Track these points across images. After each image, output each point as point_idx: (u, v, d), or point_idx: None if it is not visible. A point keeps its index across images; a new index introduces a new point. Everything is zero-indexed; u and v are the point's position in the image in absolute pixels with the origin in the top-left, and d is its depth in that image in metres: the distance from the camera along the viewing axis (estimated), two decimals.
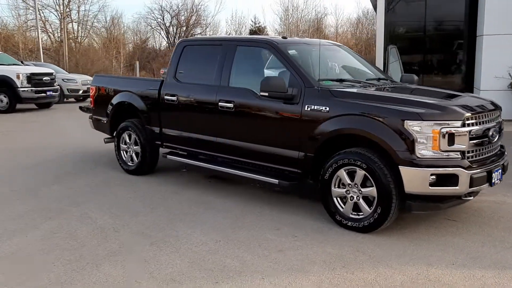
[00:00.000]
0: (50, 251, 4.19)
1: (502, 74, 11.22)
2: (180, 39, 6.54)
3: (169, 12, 45.94)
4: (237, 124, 5.45)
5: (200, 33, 49.18)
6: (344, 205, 4.64)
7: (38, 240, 4.45)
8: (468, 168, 4.22)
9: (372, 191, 4.41)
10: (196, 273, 3.72)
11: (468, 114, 4.30)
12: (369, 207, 4.46)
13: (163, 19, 46.31)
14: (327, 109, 4.65)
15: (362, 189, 4.48)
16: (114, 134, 7.13)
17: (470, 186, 4.25)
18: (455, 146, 4.20)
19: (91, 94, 7.47)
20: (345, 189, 4.61)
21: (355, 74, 5.72)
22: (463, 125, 4.24)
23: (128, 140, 6.84)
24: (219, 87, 5.60)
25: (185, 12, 47.63)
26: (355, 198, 4.55)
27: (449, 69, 13.82)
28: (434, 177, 4.17)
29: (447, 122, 4.20)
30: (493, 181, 4.47)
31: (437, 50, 13.81)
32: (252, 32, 54.54)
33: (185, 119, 6.03)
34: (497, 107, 4.83)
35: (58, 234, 4.60)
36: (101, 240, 4.42)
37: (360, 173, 4.46)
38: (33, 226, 4.83)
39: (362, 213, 4.52)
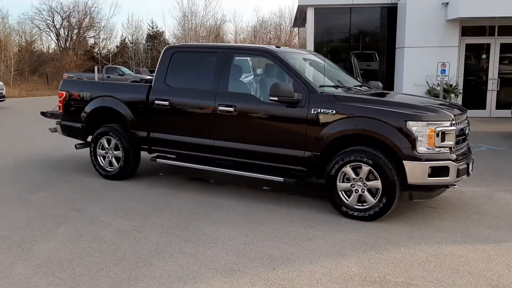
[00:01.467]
0: (89, 253, 4.23)
1: (420, 82, 12.65)
2: (167, 46, 6.68)
3: (59, 14, 43.69)
4: (238, 127, 5.78)
5: (94, 36, 47.62)
6: (349, 197, 5.20)
7: (67, 244, 4.44)
8: (455, 161, 5.00)
9: (377, 183, 5.01)
10: (248, 263, 4.03)
11: (453, 116, 5.09)
12: (373, 198, 5.06)
13: (53, 20, 43.94)
14: (334, 112, 5.19)
15: (367, 183, 5.07)
16: (89, 140, 7.04)
17: (457, 176, 5.03)
18: (446, 143, 4.96)
19: (59, 99, 7.28)
20: (350, 183, 5.17)
21: (341, 81, 6.31)
22: (451, 125, 5.01)
23: (106, 145, 6.82)
24: (217, 92, 5.88)
25: (77, 14, 45.64)
26: (359, 191, 5.12)
27: (371, 77, 15.15)
28: (430, 169, 4.88)
29: (439, 122, 4.95)
30: (469, 172, 5.32)
31: (360, 59, 15.07)
32: (150, 36, 53.84)
33: (179, 123, 6.22)
34: (465, 110, 5.71)
35: (83, 238, 4.62)
36: (133, 241, 4.53)
37: (366, 169, 5.05)
38: (49, 232, 4.78)
39: (366, 204, 5.11)
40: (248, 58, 6.22)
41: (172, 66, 6.34)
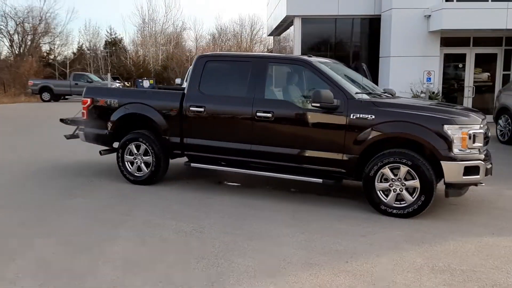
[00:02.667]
0: (164, 253, 4.42)
1: (405, 89, 13.33)
2: (200, 55, 6.89)
3: (13, 19, 42.43)
4: (276, 132, 6.08)
5: (50, 42, 46.45)
6: (387, 197, 5.60)
7: (137, 246, 4.60)
8: (483, 160, 5.50)
9: (415, 183, 5.43)
10: (321, 257, 4.33)
11: (481, 120, 5.60)
12: (411, 196, 5.48)
13: (7, 25, 42.63)
14: (373, 117, 5.59)
15: (406, 182, 5.49)
16: (117, 146, 7.15)
17: (485, 175, 5.53)
18: (476, 144, 5.44)
19: (84, 106, 7.36)
20: (388, 183, 5.57)
21: (367, 87, 6.71)
22: (480, 128, 5.51)
23: (135, 151, 6.96)
24: (254, 99, 6.17)
25: (32, 20, 44.45)
26: (398, 190, 5.53)
27: None
28: (465, 169, 5.35)
29: (471, 125, 5.43)
30: (492, 171, 5.83)
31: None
32: (108, 43, 53.21)
33: (215, 129, 6.45)
34: (484, 115, 6.24)
35: (148, 239, 4.79)
36: (199, 241, 4.74)
37: (404, 169, 5.46)
38: (111, 234, 4.91)
39: (404, 202, 5.52)
40: (283, 66, 6.50)
41: (205, 74, 6.57)
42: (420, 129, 5.41)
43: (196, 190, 6.76)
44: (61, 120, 8.14)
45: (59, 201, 6.19)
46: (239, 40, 68.16)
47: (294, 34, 14.87)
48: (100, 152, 7.47)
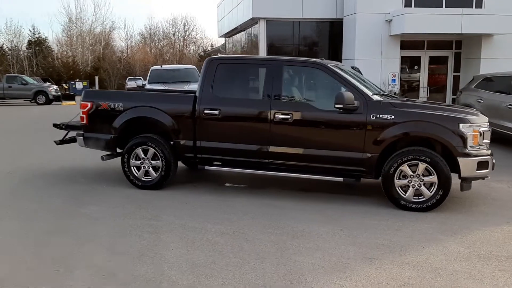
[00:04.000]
0: (223, 256, 4.45)
1: None
2: (211, 58, 6.86)
3: None
4: (295, 133, 6.24)
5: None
6: (405, 192, 5.92)
7: (190, 250, 4.59)
8: (490, 156, 5.97)
9: (433, 178, 5.80)
10: (373, 252, 4.55)
11: (488, 118, 6.08)
12: (429, 191, 5.84)
13: None
14: (392, 117, 5.89)
15: (424, 178, 5.84)
16: (122, 151, 7.00)
17: (492, 169, 6.01)
18: (485, 141, 5.91)
19: (84, 110, 7.11)
20: (407, 180, 5.90)
21: (375, 89, 7.00)
22: (487, 126, 5.98)
23: (142, 155, 6.84)
24: (271, 101, 6.29)
25: None
26: (416, 185, 5.88)
27: None
28: (477, 164, 5.79)
29: (480, 124, 5.88)
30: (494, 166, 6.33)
31: None
32: (32, 42, 50.82)
33: (231, 131, 6.49)
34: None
35: (197, 243, 4.78)
36: (249, 242, 4.80)
37: (422, 166, 5.81)
38: (155, 241, 4.85)
39: (422, 197, 5.87)
40: (298, 69, 6.66)
41: (218, 77, 6.60)
42: (439, 128, 5.78)
43: (208, 193, 6.76)
44: (55, 125, 7.81)
45: (73, 209, 5.97)
46: (172, 40, 67.51)
47: (259, 35, 15.07)
48: (102, 157, 7.25)
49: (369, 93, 6.14)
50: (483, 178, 6.07)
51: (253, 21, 15.67)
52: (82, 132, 7.26)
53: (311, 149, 6.21)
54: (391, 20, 13.76)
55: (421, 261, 4.32)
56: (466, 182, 5.93)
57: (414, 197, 5.90)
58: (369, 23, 13.82)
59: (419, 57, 15.25)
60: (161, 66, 16.95)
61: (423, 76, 15.39)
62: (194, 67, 18.39)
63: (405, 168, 5.87)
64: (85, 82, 44.58)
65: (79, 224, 5.39)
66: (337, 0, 14.82)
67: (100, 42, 61.36)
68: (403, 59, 14.73)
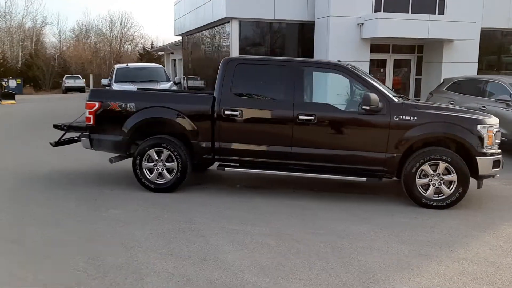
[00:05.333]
0: (285, 258, 4.44)
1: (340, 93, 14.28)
2: (228, 58, 6.76)
3: None
4: (319, 134, 6.30)
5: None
6: (426, 191, 6.16)
7: (247, 252, 4.54)
8: (501, 155, 6.35)
9: (452, 177, 6.07)
10: (426, 249, 4.71)
11: (498, 120, 6.45)
12: (449, 189, 6.11)
13: None
14: (415, 118, 6.11)
15: (444, 177, 6.10)
16: (133, 153, 6.76)
17: (502, 167, 6.39)
18: (497, 141, 6.27)
19: (90, 110, 6.81)
20: (427, 179, 6.14)
21: (390, 91, 7.18)
22: (499, 127, 6.35)
23: (156, 157, 6.65)
24: (294, 102, 6.32)
25: None
26: (436, 184, 6.13)
27: None
28: (493, 162, 6.13)
29: (493, 124, 6.24)
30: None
31: None
32: None
33: (252, 132, 6.45)
34: None
35: (249, 245, 4.73)
36: (301, 243, 4.81)
37: (443, 165, 6.07)
38: (204, 244, 4.76)
39: (442, 195, 6.13)
40: (320, 71, 6.73)
41: (237, 78, 6.54)
42: (459, 129, 6.07)
43: (225, 194, 6.69)
44: (55, 126, 7.40)
45: (92, 213, 5.73)
46: (109, 37, 65.54)
47: (231, 35, 15.02)
48: (110, 159, 6.96)
49: (389, 95, 6.32)
50: (493, 176, 6.43)
51: (224, 21, 15.59)
52: (88, 133, 6.93)
53: (334, 150, 6.30)
54: (362, 24, 14.18)
55: (473, 256, 4.53)
56: (482, 180, 6.25)
57: (434, 195, 6.14)
58: (342, 26, 14.16)
59: (385, 60, 15.82)
60: (127, 65, 16.48)
61: (388, 78, 15.97)
62: (161, 66, 18.02)
63: (426, 167, 6.10)
64: (19, 80, 42.35)
65: (110, 229, 5.17)
66: (307, 3, 15.05)
67: (31, 38, 58.54)
68: (371, 62, 15.20)
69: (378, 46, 15.28)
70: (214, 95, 6.58)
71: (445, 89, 12.26)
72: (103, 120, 6.81)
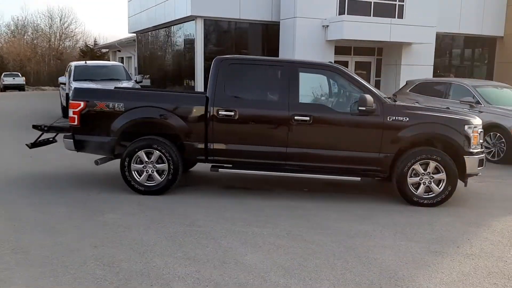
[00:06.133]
0: (299, 258, 4.44)
1: (306, 93, 14.47)
2: (220, 57, 6.64)
3: None
4: (314, 135, 6.35)
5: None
6: (417, 190, 6.36)
7: (261, 253, 4.51)
8: (484, 154, 6.66)
9: (441, 176, 6.29)
10: (433, 246, 4.86)
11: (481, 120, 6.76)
12: (438, 187, 6.33)
13: None
14: (407, 119, 6.29)
15: (434, 176, 6.32)
16: (121, 154, 6.53)
17: (484, 166, 6.70)
18: (481, 141, 6.57)
19: (75, 110, 6.51)
20: (418, 178, 6.34)
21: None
22: (482, 128, 6.66)
23: (146, 159, 6.46)
24: (289, 103, 6.34)
25: None
26: (427, 183, 6.34)
27: None
28: (478, 161, 6.42)
29: (478, 125, 6.53)
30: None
31: None
32: None
33: (247, 133, 6.40)
34: None
35: (264, 247, 4.70)
36: (316, 244, 4.84)
37: (433, 164, 6.28)
38: (215, 244, 4.68)
39: (432, 193, 6.35)
40: (314, 72, 6.76)
41: (230, 78, 6.47)
42: (448, 129, 6.30)
43: (219, 195, 6.61)
44: (35, 126, 7.01)
45: (88, 217, 5.49)
46: (48, 33, 62.94)
47: (196, 34, 14.84)
48: (96, 161, 6.67)
49: (382, 96, 6.47)
50: (477, 174, 6.72)
51: (187, 19, 15.38)
52: (71, 134, 6.62)
53: (330, 150, 6.37)
54: (327, 26, 14.42)
55: (480, 252, 4.72)
56: (466, 179, 6.52)
57: (425, 194, 6.35)
58: (308, 28, 14.34)
59: (347, 62, 16.18)
60: (86, 62, 15.86)
61: None
62: (121, 64, 17.51)
63: (417, 166, 6.30)
64: None
65: (113, 234, 4.97)
66: (272, 4, 15.13)
67: None
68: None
69: (340, 48, 15.59)
70: (207, 95, 6.47)
71: (409, 90, 12.68)
72: (89, 120, 6.53)
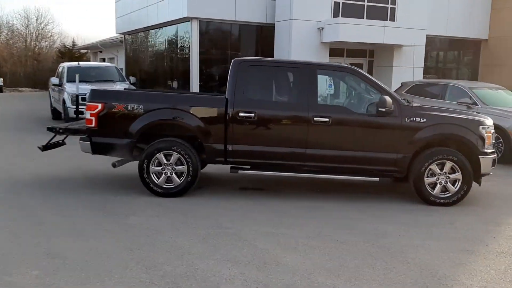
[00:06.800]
0: (339, 259, 4.49)
1: None
2: (239, 59, 6.64)
3: None
4: (333, 136, 6.41)
5: None
6: (433, 189, 6.48)
7: (307, 256, 4.54)
8: (495, 154, 6.82)
9: (457, 175, 6.42)
10: (462, 244, 4.96)
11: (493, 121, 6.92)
12: (454, 187, 6.46)
13: None
14: (424, 120, 6.40)
15: (450, 175, 6.45)
16: (140, 156, 6.48)
17: (495, 166, 6.86)
18: (493, 141, 6.74)
19: (92, 112, 6.44)
20: (435, 178, 6.46)
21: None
22: (494, 129, 6.82)
23: (165, 161, 6.43)
24: (309, 104, 6.39)
25: None
26: (443, 182, 6.46)
27: None
28: (492, 161, 6.58)
29: (490, 126, 6.69)
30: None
31: None
32: None
33: (266, 134, 6.43)
34: None
35: (299, 248, 4.73)
36: (352, 245, 4.88)
37: (449, 165, 6.41)
38: (260, 247, 4.69)
39: (448, 192, 6.47)
40: (332, 73, 6.83)
41: (250, 79, 6.49)
42: (464, 130, 6.44)
43: (236, 197, 6.62)
44: (49, 128, 6.89)
45: (112, 221, 5.43)
46: (24, 34, 61.77)
47: (191, 35, 14.79)
48: (113, 164, 6.62)
49: (399, 97, 6.57)
50: (489, 174, 6.88)
51: (182, 20, 15.31)
52: (88, 136, 6.54)
53: (348, 151, 6.43)
54: (323, 28, 14.54)
55: (508, 249, 4.85)
56: (479, 178, 6.67)
57: (441, 193, 6.47)
58: (303, 29, 14.44)
59: (340, 63, 16.34)
60: (79, 63, 15.65)
61: None
62: (114, 65, 17.33)
63: (434, 167, 6.41)
64: None
65: (144, 236, 4.93)
66: (267, 6, 15.19)
67: None
68: None
69: (333, 50, 15.73)
70: (226, 96, 6.47)
71: (404, 92, 12.86)
72: (107, 122, 6.46)
